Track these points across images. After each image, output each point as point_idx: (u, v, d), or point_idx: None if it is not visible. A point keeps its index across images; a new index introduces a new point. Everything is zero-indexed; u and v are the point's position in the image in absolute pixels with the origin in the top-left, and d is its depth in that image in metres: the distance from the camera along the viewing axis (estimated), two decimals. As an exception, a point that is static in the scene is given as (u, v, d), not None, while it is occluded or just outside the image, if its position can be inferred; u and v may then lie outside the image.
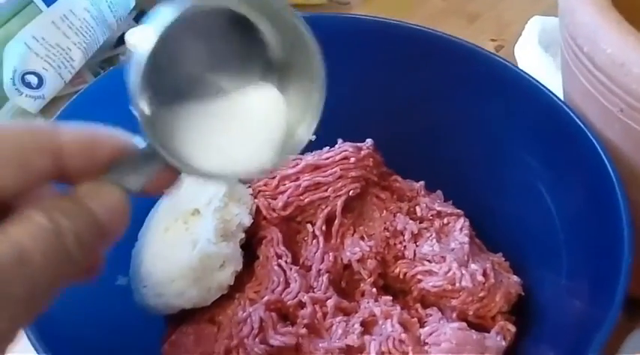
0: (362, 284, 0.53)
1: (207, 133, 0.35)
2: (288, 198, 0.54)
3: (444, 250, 0.53)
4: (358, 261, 0.53)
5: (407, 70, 0.60)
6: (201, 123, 0.35)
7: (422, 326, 0.50)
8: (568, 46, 0.51)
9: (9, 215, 0.29)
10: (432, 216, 0.56)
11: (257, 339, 0.48)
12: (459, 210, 0.57)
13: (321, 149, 0.56)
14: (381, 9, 0.86)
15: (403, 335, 0.48)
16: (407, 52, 0.59)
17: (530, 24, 0.79)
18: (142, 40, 0.31)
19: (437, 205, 0.57)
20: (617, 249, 0.45)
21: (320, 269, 0.52)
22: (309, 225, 0.55)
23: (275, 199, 0.54)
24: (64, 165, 0.31)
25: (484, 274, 0.51)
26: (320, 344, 0.48)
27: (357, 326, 0.49)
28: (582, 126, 0.50)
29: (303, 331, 0.48)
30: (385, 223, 0.55)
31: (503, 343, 0.50)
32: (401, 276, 0.53)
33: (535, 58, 0.75)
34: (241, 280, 0.52)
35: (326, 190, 0.54)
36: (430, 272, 0.52)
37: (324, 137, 0.54)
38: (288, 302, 0.50)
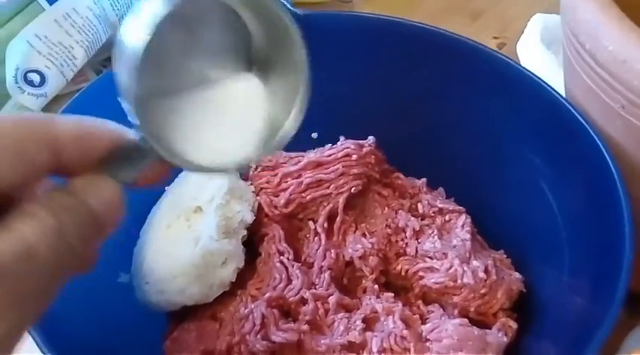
0: (364, 281, 0.53)
1: (194, 124, 0.35)
2: (290, 195, 0.54)
3: (445, 247, 0.53)
4: (360, 257, 0.53)
5: (409, 67, 0.60)
6: (187, 115, 0.35)
7: (423, 322, 0.50)
8: (570, 43, 0.51)
9: (7, 207, 0.29)
10: (433, 213, 0.57)
11: (259, 336, 0.48)
12: (460, 207, 0.57)
13: (323, 146, 0.56)
14: (383, 6, 0.85)
15: (405, 332, 0.48)
16: (409, 49, 0.59)
17: (532, 21, 0.79)
18: (135, 34, 0.31)
19: (439, 202, 0.57)
20: (618, 246, 0.45)
21: (322, 266, 0.52)
22: (310, 222, 0.55)
23: (277, 196, 0.54)
24: (61, 157, 0.31)
25: (486, 271, 0.51)
26: (322, 341, 0.48)
27: (358, 322, 0.49)
28: (584, 123, 0.50)
29: (305, 327, 0.48)
30: (387, 220, 0.55)
31: (505, 339, 0.50)
32: (402, 273, 0.53)
33: (537, 56, 0.75)
34: (243, 277, 0.52)
35: (328, 187, 0.54)
36: (432, 269, 0.52)
37: (326, 135, 0.54)
38: (290, 299, 0.50)
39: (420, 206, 0.57)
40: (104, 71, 0.76)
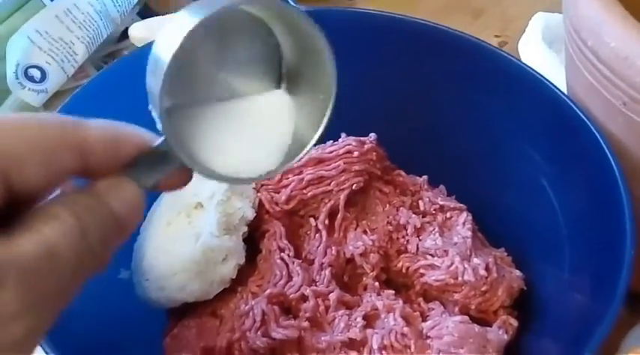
0: (364, 278, 0.53)
1: (219, 134, 0.35)
2: (291, 191, 0.54)
3: (446, 244, 0.53)
4: (361, 254, 0.53)
5: (411, 64, 0.60)
6: (212, 125, 0.35)
7: (424, 320, 0.50)
8: (572, 40, 0.51)
9: (29, 206, 0.29)
10: (434, 210, 0.57)
11: (259, 332, 0.48)
12: (461, 205, 0.57)
13: (325, 143, 0.56)
14: (385, 4, 0.85)
15: (405, 329, 0.48)
16: (411, 46, 0.59)
17: (534, 20, 0.79)
18: (166, 43, 0.31)
19: (440, 199, 0.57)
20: (619, 244, 0.45)
21: (322, 263, 0.52)
22: (311, 219, 0.55)
23: (278, 193, 0.54)
24: (88, 161, 0.31)
25: (486, 268, 0.51)
26: (322, 338, 0.48)
27: (359, 319, 0.49)
28: (585, 120, 0.50)
29: (306, 324, 0.48)
30: (388, 217, 0.55)
31: (506, 337, 0.50)
32: (403, 270, 0.53)
33: (539, 54, 0.75)
34: (244, 274, 0.52)
35: (329, 184, 0.54)
36: (433, 266, 0.52)
37: (327, 131, 0.54)
38: (291, 296, 0.50)
39: (421, 203, 0.57)
40: (104, 67, 0.76)
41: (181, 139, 0.33)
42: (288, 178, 0.55)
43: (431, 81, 0.59)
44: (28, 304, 0.27)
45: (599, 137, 0.49)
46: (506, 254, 0.55)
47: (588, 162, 0.50)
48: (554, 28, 0.76)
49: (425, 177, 0.59)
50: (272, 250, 0.53)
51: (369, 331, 0.48)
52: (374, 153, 0.56)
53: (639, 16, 0.46)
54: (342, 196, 0.54)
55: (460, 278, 0.51)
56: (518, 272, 0.53)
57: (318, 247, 0.53)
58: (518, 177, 0.57)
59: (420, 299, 0.53)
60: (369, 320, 0.50)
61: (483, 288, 0.51)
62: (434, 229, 0.54)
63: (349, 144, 0.55)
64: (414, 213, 0.56)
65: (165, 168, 0.33)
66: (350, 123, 0.56)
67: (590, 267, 0.49)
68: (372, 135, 0.57)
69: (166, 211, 0.53)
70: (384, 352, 0.47)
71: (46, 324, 0.28)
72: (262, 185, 0.55)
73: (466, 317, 0.50)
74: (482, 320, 0.51)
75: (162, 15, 0.82)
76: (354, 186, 0.55)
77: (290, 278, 0.51)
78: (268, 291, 0.50)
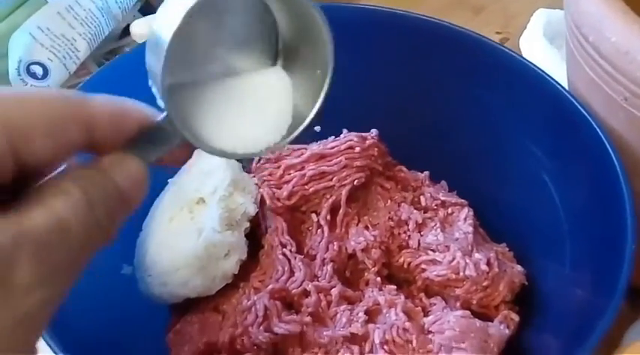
0: (366, 274, 0.53)
1: (219, 110, 0.35)
2: (293, 187, 0.54)
3: (448, 240, 0.53)
4: (362, 250, 0.53)
5: (412, 60, 0.60)
6: (211, 102, 0.35)
7: (426, 315, 0.51)
8: (573, 36, 0.51)
9: (36, 180, 0.30)
10: (436, 205, 0.57)
11: (261, 327, 0.48)
12: (463, 200, 0.57)
13: (326, 138, 0.56)
14: (387, 0, 0.86)
15: (407, 324, 0.48)
16: (413, 42, 0.59)
17: (535, 16, 0.79)
18: (166, 21, 0.31)
19: (441, 195, 0.57)
20: (620, 238, 0.45)
21: (324, 259, 0.52)
22: (313, 215, 0.55)
23: (280, 188, 0.54)
24: (93, 135, 0.31)
25: (488, 263, 0.51)
26: (324, 333, 0.48)
27: (361, 314, 0.49)
28: (587, 115, 0.50)
29: (308, 319, 0.48)
30: (390, 213, 0.55)
31: (507, 331, 0.50)
32: (405, 266, 0.53)
33: (540, 51, 0.75)
34: (246, 269, 0.52)
35: (331, 179, 0.54)
36: (434, 262, 0.52)
37: (329, 127, 0.54)
38: (293, 291, 0.50)
39: (422, 199, 0.57)
40: (106, 64, 0.76)
41: (183, 115, 0.34)
42: (290, 174, 0.55)
43: (432, 77, 0.59)
44: (41, 277, 0.28)
45: (600, 132, 0.49)
46: (507, 249, 0.56)
47: (589, 158, 0.50)
48: (556, 24, 0.76)
49: (426, 172, 0.59)
50: (274, 246, 0.53)
51: (370, 326, 0.49)
52: (375, 149, 0.56)
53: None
54: (344, 192, 0.54)
55: (462, 274, 0.51)
56: (519, 268, 0.54)
57: (320, 243, 0.53)
58: (519, 173, 0.57)
59: (422, 295, 0.53)
60: (371, 315, 0.50)
61: (485, 283, 0.51)
62: (435, 225, 0.55)
63: (351, 140, 0.56)
64: (415, 208, 0.56)
65: (166, 143, 0.33)
66: (351, 118, 0.56)
67: (591, 262, 0.49)
68: (374, 131, 0.57)
69: (169, 207, 0.53)
70: (385, 347, 0.47)
71: (58, 297, 0.29)
72: (264, 181, 0.55)
73: (467, 312, 0.50)
74: (483, 315, 0.51)
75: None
76: (355, 182, 0.55)
77: (292, 273, 0.51)
78: (270, 287, 0.50)
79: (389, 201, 0.56)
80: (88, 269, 0.32)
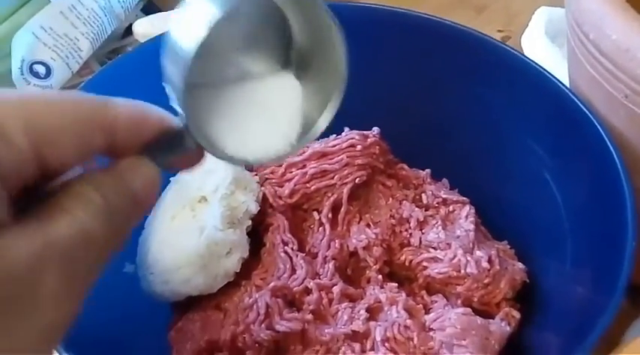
0: (368, 272, 0.53)
1: (232, 116, 0.35)
2: (295, 185, 0.54)
3: (449, 237, 0.53)
4: (364, 248, 0.53)
5: (414, 58, 0.60)
6: (225, 106, 0.35)
7: (427, 312, 0.51)
8: (574, 33, 0.51)
9: (51, 182, 0.30)
10: (437, 203, 0.57)
11: (263, 325, 0.48)
12: (464, 198, 0.57)
13: (328, 137, 0.56)
14: (389, -1, 0.86)
15: (408, 321, 0.48)
16: (414, 41, 0.59)
17: (536, 15, 0.79)
18: (189, 31, 0.31)
19: (443, 193, 0.57)
20: (621, 236, 0.45)
21: (326, 256, 0.52)
22: (315, 213, 0.55)
23: (281, 187, 0.55)
24: (114, 140, 0.31)
25: (489, 261, 0.51)
26: (325, 330, 0.48)
27: (362, 312, 0.49)
28: (588, 113, 0.50)
29: (309, 317, 0.49)
30: (391, 211, 0.55)
31: (508, 329, 0.50)
32: (406, 263, 0.54)
33: (542, 49, 0.75)
34: (247, 267, 0.52)
35: (332, 178, 0.54)
36: (435, 259, 0.52)
37: (330, 126, 0.54)
38: (294, 289, 0.50)
39: (424, 196, 0.57)
40: (108, 63, 0.76)
41: (197, 121, 0.34)
42: (291, 172, 0.55)
43: (434, 75, 0.59)
44: (66, 287, 0.27)
45: (601, 130, 0.49)
46: (508, 247, 0.56)
47: (590, 155, 0.50)
48: (557, 22, 0.76)
49: (428, 170, 0.59)
50: (276, 244, 0.53)
51: (372, 323, 0.49)
52: (377, 147, 0.56)
53: (640, 9, 0.46)
54: (346, 190, 0.54)
55: (463, 271, 0.51)
56: (520, 265, 0.54)
57: (321, 240, 0.53)
58: (520, 171, 0.57)
59: (423, 292, 0.53)
60: (373, 312, 0.50)
61: (486, 281, 0.51)
62: (437, 222, 0.55)
63: (352, 138, 0.56)
64: (416, 206, 0.56)
65: (180, 149, 0.33)
66: (353, 117, 0.56)
67: (592, 260, 0.49)
68: (375, 129, 0.57)
69: (171, 205, 0.54)
70: (386, 344, 0.47)
71: (79, 303, 0.29)
72: (266, 179, 0.55)
73: (469, 310, 0.50)
74: (484, 312, 0.52)
75: (166, 11, 0.82)
76: (357, 180, 0.55)
77: (294, 271, 0.51)
78: (272, 284, 0.50)
79: (390, 198, 0.56)
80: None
